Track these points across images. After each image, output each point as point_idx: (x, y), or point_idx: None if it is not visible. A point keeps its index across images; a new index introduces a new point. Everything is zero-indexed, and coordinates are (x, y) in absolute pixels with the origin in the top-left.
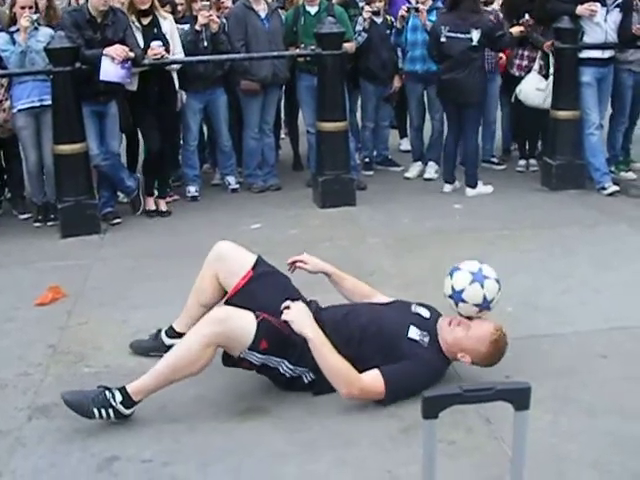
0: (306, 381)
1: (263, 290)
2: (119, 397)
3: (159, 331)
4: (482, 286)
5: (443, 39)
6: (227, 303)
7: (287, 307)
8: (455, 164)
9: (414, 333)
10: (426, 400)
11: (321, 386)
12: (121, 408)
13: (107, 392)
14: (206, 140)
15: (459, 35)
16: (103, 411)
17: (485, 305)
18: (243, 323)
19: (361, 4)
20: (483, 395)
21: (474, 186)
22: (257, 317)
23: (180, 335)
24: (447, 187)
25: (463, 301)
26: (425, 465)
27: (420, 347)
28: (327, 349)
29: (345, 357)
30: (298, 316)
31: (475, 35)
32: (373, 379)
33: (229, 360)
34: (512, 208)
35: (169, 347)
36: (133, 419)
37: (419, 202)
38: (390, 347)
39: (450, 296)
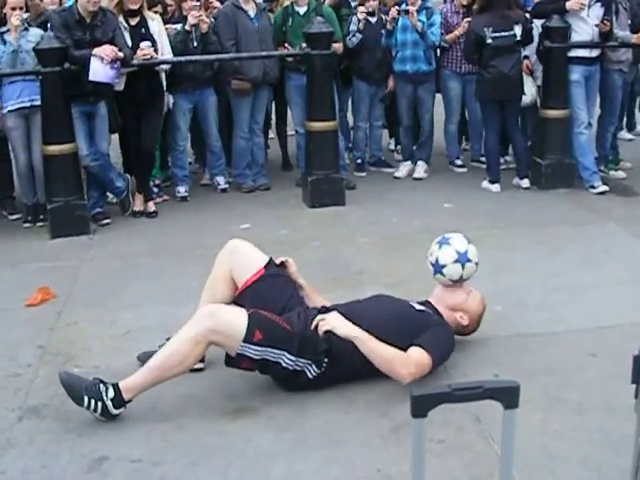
0: (310, 376)
1: (272, 291)
2: (111, 393)
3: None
4: (463, 267)
5: (490, 40)
6: (236, 300)
7: (322, 320)
8: (500, 162)
9: (418, 306)
10: (415, 399)
11: (327, 378)
12: (110, 405)
13: (102, 385)
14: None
15: (504, 33)
16: (93, 402)
17: (459, 282)
18: (233, 316)
19: (353, 4)
20: (472, 394)
21: (528, 176)
22: (248, 310)
23: None
24: (495, 187)
25: (441, 274)
26: (414, 464)
27: (430, 315)
28: (374, 343)
29: None
30: (336, 322)
31: (518, 30)
32: (419, 354)
33: (231, 361)
34: (501, 207)
35: None
36: (123, 418)
37: (408, 201)
38: (408, 327)
39: (432, 264)
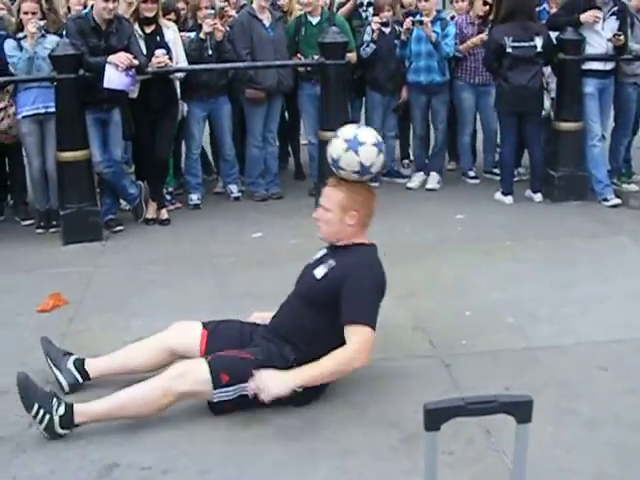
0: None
1: (222, 340)
2: (62, 410)
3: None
4: (357, 153)
5: (509, 49)
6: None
7: (259, 391)
8: (514, 175)
9: (320, 272)
10: (428, 412)
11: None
12: (57, 422)
13: (55, 399)
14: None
15: (523, 44)
16: (41, 413)
17: (364, 171)
18: (197, 374)
19: (364, 14)
20: (485, 408)
21: (541, 191)
22: (206, 359)
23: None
24: (509, 199)
25: (341, 169)
26: (427, 477)
27: (335, 270)
28: (312, 371)
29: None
30: (272, 389)
31: (539, 42)
32: (355, 335)
33: (215, 408)
34: (514, 219)
35: None
36: (133, 425)
37: (421, 212)
38: (324, 308)
39: (330, 163)
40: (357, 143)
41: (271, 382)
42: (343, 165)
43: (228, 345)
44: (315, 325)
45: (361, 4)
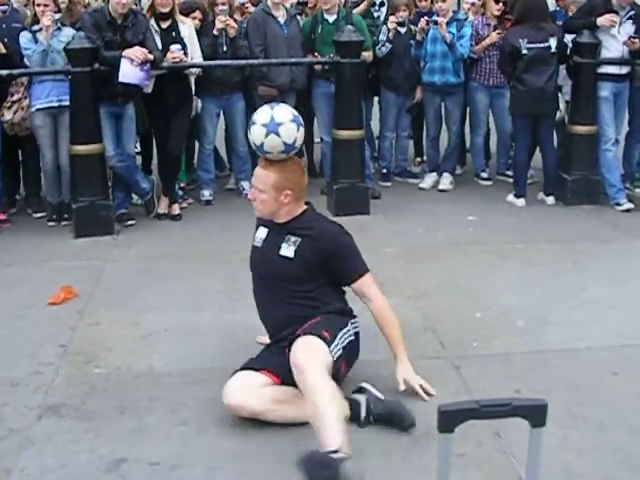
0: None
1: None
2: None
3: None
4: (278, 135)
5: (525, 51)
6: None
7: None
8: (527, 177)
9: (288, 251)
10: (442, 414)
11: None
12: None
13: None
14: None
15: (538, 45)
16: None
17: (289, 148)
18: (311, 346)
19: (376, 14)
20: (500, 411)
21: (554, 194)
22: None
23: None
24: (521, 201)
25: (267, 152)
26: (440, 479)
27: (306, 242)
28: (400, 340)
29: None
30: (411, 378)
31: (553, 43)
32: (368, 283)
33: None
34: (526, 221)
35: None
36: (142, 420)
37: (433, 213)
38: (307, 270)
39: (255, 150)
40: (275, 125)
41: (416, 377)
42: (268, 149)
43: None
44: (308, 294)
45: (373, 4)
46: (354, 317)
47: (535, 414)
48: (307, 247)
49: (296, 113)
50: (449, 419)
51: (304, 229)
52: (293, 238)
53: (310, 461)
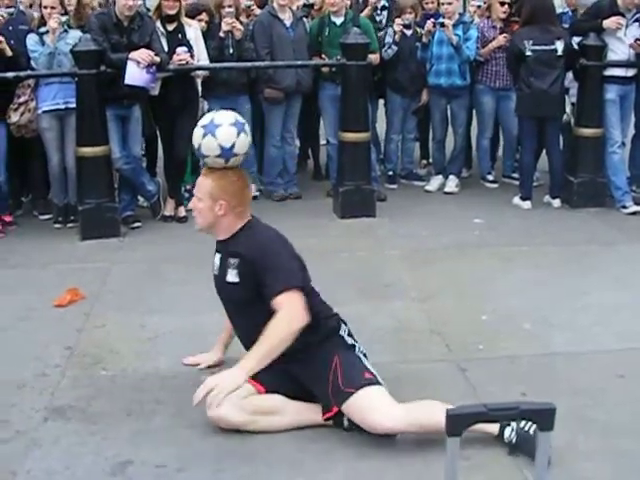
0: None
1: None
2: None
3: None
4: (214, 136)
5: (529, 53)
6: None
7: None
8: (534, 180)
9: (232, 277)
10: (450, 417)
11: None
12: None
13: None
14: None
15: (544, 47)
16: None
17: (226, 153)
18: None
19: (378, 18)
20: (507, 414)
21: (560, 196)
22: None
23: None
24: (527, 204)
25: (205, 156)
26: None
27: (242, 264)
28: (261, 348)
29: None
30: (221, 384)
31: (560, 46)
32: (281, 302)
33: None
34: (532, 224)
35: None
36: (148, 423)
37: (439, 215)
38: (253, 292)
39: (197, 154)
40: (213, 126)
41: (223, 380)
42: (205, 151)
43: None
44: (265, 316)
45: (375, 7)
46: (337, 322)
47: (543, 418)
48: (245, 267)
49: (241, 120)
50: (457, 422)
51: (239, 246)
52: (232, 260)
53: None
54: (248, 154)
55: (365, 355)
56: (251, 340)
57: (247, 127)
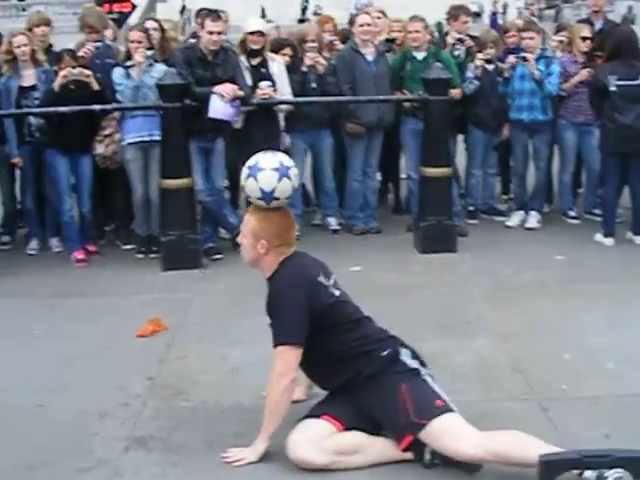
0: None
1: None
2: None
3: None
4: (256, 179)
5: (613, 88)
6: None
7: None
8: (616, 216)
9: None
10: (544, 463)
11: None
12: None
13: None
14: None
15: (629, 82)
16: None
17: (267, 197)
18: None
19: (456, 52)
20: (602, 461)
21: None
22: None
23: None
24: (609, 241)
25: (249, 196)
26: None
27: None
28: (265, 423)
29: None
30: (246, 456)
31: None
32: (275, 357)
33: None
34: (615, 261)
35: None
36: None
37: (520, 251)
38: None
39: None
40: (256, 169)
41: (245, 451)
42: (247, 192)
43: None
44: (314, 354)
45: (454, 42)
46: (394, 347)
47: (638, 466)
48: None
49: (287, 164)
50: (550, 469)
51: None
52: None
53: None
54: (292, 197)
55: (432, 376)
56: (312, 377)
57: (293, 171)
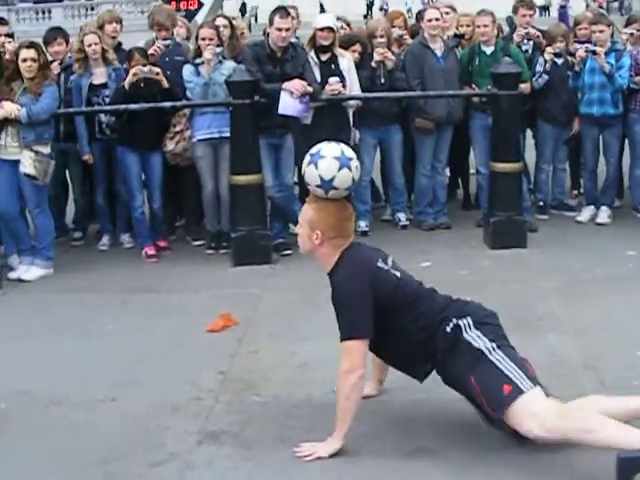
0: None
1: None
2: None
3: None
4: (316, 166)
5: None
6: None
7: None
8: None
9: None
10: (621, 461)
11: None
12: None
13: None
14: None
15: None
16: None
17: (326, 185)
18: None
19: (524, 47)
20: None
21: None
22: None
23: None
24: None
25: (308, 184)
26: None
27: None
28: (339, 422)
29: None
30: (317, 451)
31: None
32: (342, 352)
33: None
34: None
35: None
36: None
37: (591, 247)
38: None
39: (319, 185)
40: (318, 157)
41: (319, 445)
42: (307, 179)
43: None
44: (391, 341)
45: (522, 36)
46: (456, 319)
47: None
48: None
49: (349, 155)
50: (629, 467)
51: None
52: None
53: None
54: (351, 189)
55: (498, 347)
56: (390, 361)
57: (354, 163)
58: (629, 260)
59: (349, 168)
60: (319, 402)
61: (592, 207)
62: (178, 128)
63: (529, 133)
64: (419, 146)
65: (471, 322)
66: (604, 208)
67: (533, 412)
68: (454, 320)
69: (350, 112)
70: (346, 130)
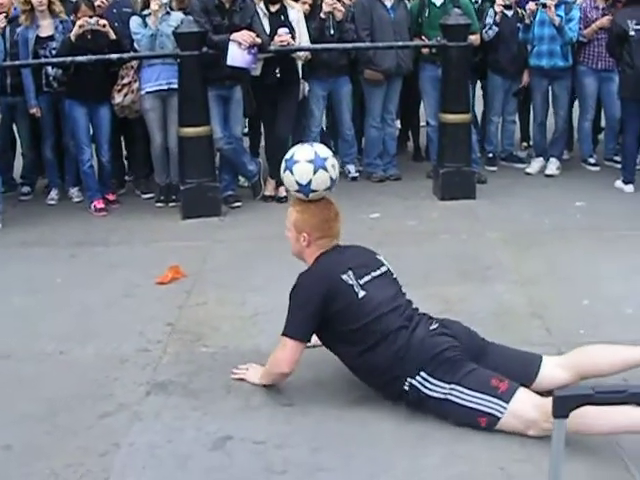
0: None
1: None
2: None
3: None
4: (292, 172)
5: (632, 32)
6: None
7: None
8: (636, 163)
9: None
10: (557, 399)
11: None
12: None
13: None
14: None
15: None
16: None
17: (304, 189)
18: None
19: None
20: (614, 397)
21: None
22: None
23: None
24: (629, 187)
25: (287, 189)
26: (552, 463)
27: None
28: (259, 376)
29: None
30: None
31: None
32: (280, 343)
33: None
34: (635, 208)
35: None
36: (248, 400)
37: (539, 198)
38: None
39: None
40: (292, 162)
41: (252, 373)
42: (286, 185)
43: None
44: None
45: None
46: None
47: None
48: None
49: (324, 155)
50: (564, 404)
51: None
52: None
53: None
54: (332, 187)
55: (457, 383)
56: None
57: (330, 162)
58: (577, 211)
59: (325, 169)
60: (267, 352)
61: (541, 159)
62: (126, 80)
63: (479, 85)
64: (368, 98)
65: (426, 375)
66: (553, 160)
67: (525, 424)
68: (409, 379)
69: (299, 64)
70: (295, 82)
